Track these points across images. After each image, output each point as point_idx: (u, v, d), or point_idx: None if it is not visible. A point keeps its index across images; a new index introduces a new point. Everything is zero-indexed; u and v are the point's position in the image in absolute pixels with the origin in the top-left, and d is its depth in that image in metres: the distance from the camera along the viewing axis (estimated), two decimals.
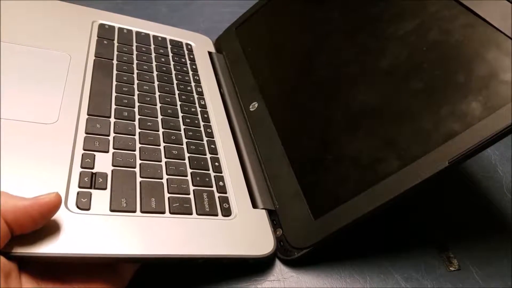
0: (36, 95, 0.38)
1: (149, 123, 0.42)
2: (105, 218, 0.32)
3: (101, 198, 0.33)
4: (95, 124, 0.39)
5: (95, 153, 0.36)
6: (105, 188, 0.34)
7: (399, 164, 0.34)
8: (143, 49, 0.52)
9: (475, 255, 0.42)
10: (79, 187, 0.33)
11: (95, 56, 0.46)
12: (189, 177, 0.39)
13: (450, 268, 0.40)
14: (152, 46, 0.54)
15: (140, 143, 0.39)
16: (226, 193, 0.40)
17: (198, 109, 0.48)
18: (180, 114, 0.46)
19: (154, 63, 0.51)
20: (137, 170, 0.37)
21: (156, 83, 0.48)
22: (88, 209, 0.32)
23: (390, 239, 0.42)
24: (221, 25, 0.63)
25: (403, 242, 0.42)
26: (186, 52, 0.56)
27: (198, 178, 0.39)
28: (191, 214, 0.36)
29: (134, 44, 0.52)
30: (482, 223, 0.45)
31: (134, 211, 0.33)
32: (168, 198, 0.36)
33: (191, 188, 0.38)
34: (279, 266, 0.38)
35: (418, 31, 0.39)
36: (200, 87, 0.52)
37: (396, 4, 0.42)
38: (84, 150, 0.36)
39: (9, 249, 0.27)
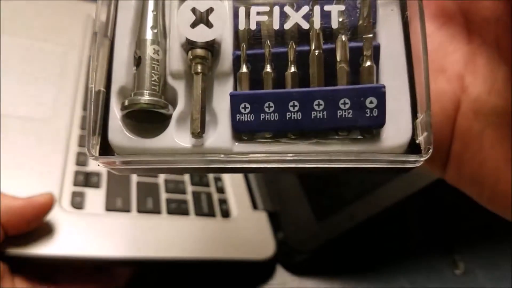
0: (29, 90, 0.38)
1: None
2: (100, 218, 0.32)
3: (96, 197, 0.33)
4: None
5: None
6: (100, 187, 0.34)
7: None
8: None
9: (481, 257, 0.42)
10: (74, 185, 0.33)
11: (90, 52, 0.46)
12: (187, 177, 0.39)
13: (456, 272, 0.40)
14: None
15: None
16: (225, 193, 0.40)
17: None
18: None
19: None
20: None
21: None
22: (83, 208, 0.32)
23: (395, 242, 0.42)
24: None
25: (408, 245, 0.42)
26: None
27: (196, 178, 0.39)
28: (188, 215, 0.36)
29: None
30: (488, 226, 0.45)
31: (130, 211, 0.34)
32: (165, 198, 0.36)
33: (189, 188, 0.38)
34: (280, 271, 0.38)
35: None
36: None
37: None
38: (79, 147, 0.36)
39: (3, 250, 0.27)
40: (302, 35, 0.16)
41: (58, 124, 0.37)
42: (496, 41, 0.18)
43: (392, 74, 0.16)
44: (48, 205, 0.29)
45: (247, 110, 0.16)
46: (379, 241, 0.42)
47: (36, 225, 0.29)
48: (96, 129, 0.16)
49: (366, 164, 0.16)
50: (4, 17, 0.43)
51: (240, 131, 0.16)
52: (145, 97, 0.16)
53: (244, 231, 0.37)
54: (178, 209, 0.36)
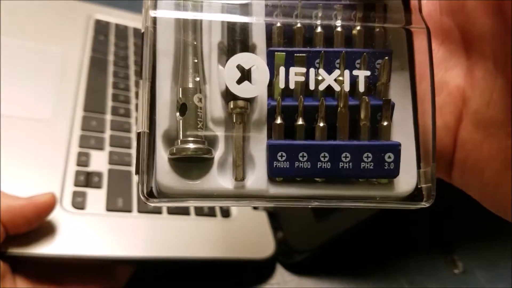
0: (29, 90, 0.39)
1: None
2: (101, 218, 0.33)
3: (97, 198, 0.34)
4: (91, 121, 0.39)
5: (90, 151, 0.37)
6: (101, 187, 0.34)
7: None
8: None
9: (480, 257, 0.42)
10: (75, 185, 0.34)
11: (91, 52, 0.47)
12: None
13: (455, 271, 0.41)
14: None
15: None
16: None
17: None
18: None
19: None
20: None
21: None
22: (84, 209, 0.32)
23: (394, 242, 0.42)
24: None
25: (407, 245, 0.42)
26: None
27: None
28: (189, 214, 0.36)
29: (131, 40, 0.52)
30: (487, 225, 0.46)
31: (131, 211, 0.34)
32: None
33: None
34: (279, 270, 0.38)
35: None
36: None
37: None
38: (80, 147, 0.37)
39: (4, 249, 0.28)
40: (330, 90, 0.19)
41: (58, 124, 0.38)
42: (493, 55, 0.19)
43: (401, 128, 0.19)
44: (49, 204, 0.29)
45: (283, 158, 0.18)
46: (379, 241, 0.42)
47: (38, 224, 0.29)
48: (145, 170, 0.18)
49: (379, 206, 0.19)
50: (4, 18, 0.44)
51: (277, 176, 0.19)
52: (191, 145, 0.18)
53: (244, 231, 0.38)
54: (178, 209, 0.36)
